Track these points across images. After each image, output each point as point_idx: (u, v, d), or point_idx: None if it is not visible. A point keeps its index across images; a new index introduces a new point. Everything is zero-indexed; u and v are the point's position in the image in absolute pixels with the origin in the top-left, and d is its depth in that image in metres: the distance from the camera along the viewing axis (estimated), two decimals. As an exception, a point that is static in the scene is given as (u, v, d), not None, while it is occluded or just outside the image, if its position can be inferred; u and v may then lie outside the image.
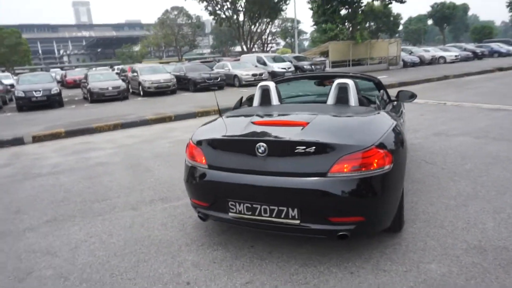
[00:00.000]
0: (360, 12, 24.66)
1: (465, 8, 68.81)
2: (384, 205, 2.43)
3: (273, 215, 2.44)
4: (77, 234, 3.28)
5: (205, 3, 35.04)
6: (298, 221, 2.39)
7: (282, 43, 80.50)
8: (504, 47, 31.89)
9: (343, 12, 24.94)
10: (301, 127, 2.59)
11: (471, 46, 32.79)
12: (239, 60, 24.13)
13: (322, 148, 2.36)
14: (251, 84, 17.81)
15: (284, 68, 20.44)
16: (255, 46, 42.38)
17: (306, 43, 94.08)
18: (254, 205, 2.48)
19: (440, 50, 30.08)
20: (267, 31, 44.93)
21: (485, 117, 7.17)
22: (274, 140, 2.48)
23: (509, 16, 54.03)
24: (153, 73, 16.89)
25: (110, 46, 78.10)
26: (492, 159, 4.56)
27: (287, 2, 37.84)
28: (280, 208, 2.41)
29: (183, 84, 17.50)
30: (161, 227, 3.31)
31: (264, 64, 21.00)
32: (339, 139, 2.40)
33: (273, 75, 19.87)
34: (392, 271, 2.42)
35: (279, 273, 2.48)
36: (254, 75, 18.55)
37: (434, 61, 27.73)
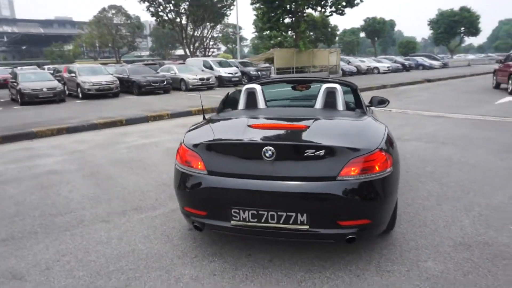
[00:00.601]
0: (303, 21, 25.64)
1: (392, 24, 74.99)
2: (387, 206, 2.49)
3: (281, 221, 2.37)
4: (45, 253, 2.88)
5: (146, 4, 33.84)
6: (307, 227, 2.35)
7: (223, 48, 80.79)
8: (427, 61, 35.30)
9: (287, 20, 25.77)
10: (302, 131, 2.57)
11: (400, 58, 35.74)
12: (184, 63, 23.63)
13: (331, 152, 2.34)
14: (198, 88, 17.52)
15: (231, 73, 20.45)
16: (197, 50, 41.88)
17: (246, 50, 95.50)
18: (260, 212, 2.38)
19: (374, 61, 32.36)
20: (209, 35, 44.70)
21: (429, 123, 7.82)
22: (282, 144, 2.42)
23: (430, 33, 60.10)
24: (93, 74, 15.78)
25: (37, 44, 71.49)
26: (447, 162, 4.96)
27: (231, 7, 38.09)
28: (289, 213, 2.34)
29: (126, 87, 16.62)
30: (143, 240, 3.04)
31: (211, 68, 20.80)
32: (346, 142, 2.41)
33: (220, 80, 19.80)
34: (395, 271, 2.48)
35: (286, 281, 2.41)
36: (201, 79, 18.24)
37: (369, 71, 29.75)
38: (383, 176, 2.40)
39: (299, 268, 2.55)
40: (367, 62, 31.45)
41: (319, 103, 3.35)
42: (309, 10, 26.36)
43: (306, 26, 26.22)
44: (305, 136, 2.49)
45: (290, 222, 2.36)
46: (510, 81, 13.02)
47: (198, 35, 40.46)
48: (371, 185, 2.36)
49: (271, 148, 2.35)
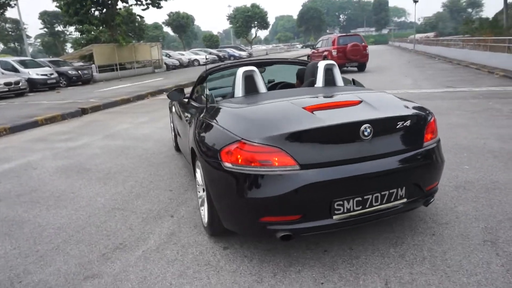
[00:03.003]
0: (117, 14, 23.62)
1: (192, 18, 78.24)
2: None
3: (384, 201, 2.24)
4: None
5: None
6: (405, 200, 2.30)
7: (1, 47, 66.02)
8: (236, 52, 38.83)
9: (98, 13, 23.17)
10: (362, 106, 2.46)
11: (214, 51, 37.92)
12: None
13: (415, 121, 2.35)
14: (4, 96, 13.87)
15: (46, 75, 17.01)
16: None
17: (31, 49, 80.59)
18: (365, 197, 2.18)
19: (193, 54, 33.20)
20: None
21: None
22: (378, 119, 2.24)
23: (230, 27, 65.82)
24: None
25: None
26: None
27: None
28: (391, 191, 2.24)
29: None
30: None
31: (15, 70, 16.66)
32: (414, 111, 2.46)
33: (31, 84, 16.16)
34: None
35: (393, 262, 2.31)
36: (7, 84, 14.50)
37: (190, 63, 30.39)
38: (439, 140, 2.58)
39: (342, 264, 2.49)
40: (186, 55, 32.00)
41: (320, 81, 3.24)
42: (124, 3, 24.41)
43: (121, 19, 24.24)
44: (371, 110, 2.39)
45: (392, 199, 2.26)
46: (324, 63, 15.90)
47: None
48: (439, 148, 2.51)
49: (369, 125, 2.16)
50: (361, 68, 15.80)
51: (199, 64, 30.42)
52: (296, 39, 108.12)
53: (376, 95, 2.74)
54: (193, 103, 3.59)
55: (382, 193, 2.21)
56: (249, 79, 3.02)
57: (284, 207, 2.12)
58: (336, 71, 3.28)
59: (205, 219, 2.74)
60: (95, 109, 9.68)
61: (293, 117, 2.28)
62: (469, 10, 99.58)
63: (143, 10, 24.74)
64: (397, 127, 2.28)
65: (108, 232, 2.97)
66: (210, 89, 4.24)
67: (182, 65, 29.22)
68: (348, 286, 2.11)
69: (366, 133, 2.16)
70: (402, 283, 2.10)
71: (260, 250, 2.53)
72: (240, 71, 3.01)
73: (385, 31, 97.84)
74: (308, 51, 22.26)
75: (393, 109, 2.44)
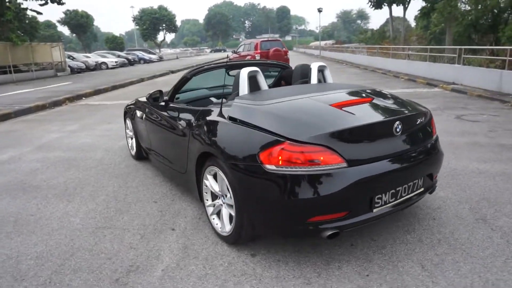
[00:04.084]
0: (7, 9, 20.60)
1: (92, 18, 72.29)
2: None
3: (409, 192, 2.41)
4: None
5: None
6: (422, 189, 2.51)
7: None
8: (146, 55, 37.14)
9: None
10: (376, 103, 2.61)
11: (123, 54, 35.63)
12: None
13: (425, 117, 2.59)
14: None
15: None
16: None
17: None
18: (397, 189, 2.32)
19: (100, 56, 30.71)
20: None
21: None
22: (407, 116, 2.41)
23: (134, 28, 62.43)
24: None
25: None
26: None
27: None
28: (414, 181, 2.42)
29: None
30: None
31: None
32: (423, 108, 2.70)
33: None
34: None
35: (419, 249, 2.51)
36: None
37: (98, 67, 28.07)
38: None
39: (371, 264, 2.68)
40: (93, 57, 29.44)
41: (314, 80, 3.32)
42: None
43: (12, 15, 21.16)
44: (386, 108, 2.56)
45: (414, 189, 2.45)
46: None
47: None
48: (439, 141, 2.80)
49: (399, 122, 2.31)
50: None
51: (107, 68, 28.28)
52: (203, 43, 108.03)
53: (376, 92, 2.93)
54: (184, 106, 3.35)
55: (409, 184, 2.39)
56: (253, 80, 2.96)
57: (333, 205, 2.14)
58: (327, 72, 3.41)
59: (227, 227, 2.59)
60: (5, 117, 8.31)
61: (329, 115, 2.32)
62: (359, 21, 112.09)
63: (41, 5, 22.01)
64: (417, 122, 2.50)
65: (108, 254, 2.60)
66: (191, 90, 4.04)
67: (88, 68, 26.76)
68: (391, 274, 2.22)
69: (398, 130, 2.31)
70: (434, 264, 2.30)
71: (290, 253, 2.50)
72: (245, 71, 2.93)
73: (288, 38, 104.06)
74: (219, 55, 22.35)
75: (409, 107, 2.65)
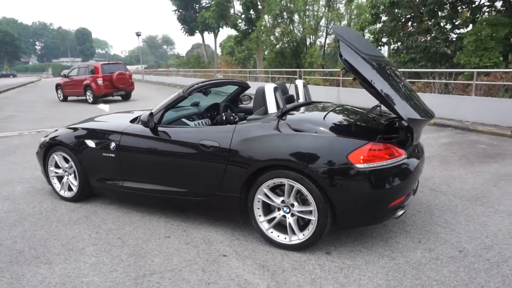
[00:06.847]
0: None
1: None
2: None
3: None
4: None
5: None
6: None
7: None
8: None
9: None
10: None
11: None
12: None
13: None
14: None
15: None
16: None
17: None
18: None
19: None
20: None
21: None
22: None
23: None
24: None
25: None
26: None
27: None
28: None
29: None
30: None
31: None
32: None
33: None
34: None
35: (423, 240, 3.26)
36: None
37: None
38: None
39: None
40: None
41: (301, 98, 3.71)
42: None
43: None
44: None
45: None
46: (87, 92, 14.60)
47: None
48: None
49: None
50: (127, 97, 15.66)
51: None
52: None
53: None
54: (198, 128, 3.13)
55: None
56: (277, 96, 3.11)
57: (404, 189, 2.65)
58: (307, 89, 3.88)
59: (298, 234, 2.71)
60: None
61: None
62: (165, 46, 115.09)
63: None
64: None
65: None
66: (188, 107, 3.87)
67: None
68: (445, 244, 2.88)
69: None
70: (474, 245, 3.10)
71: (350, 246, 2.83)
72: (269, 88, 3.07)
73: (93, 61, 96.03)
74: (8, 81, 19.10)
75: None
